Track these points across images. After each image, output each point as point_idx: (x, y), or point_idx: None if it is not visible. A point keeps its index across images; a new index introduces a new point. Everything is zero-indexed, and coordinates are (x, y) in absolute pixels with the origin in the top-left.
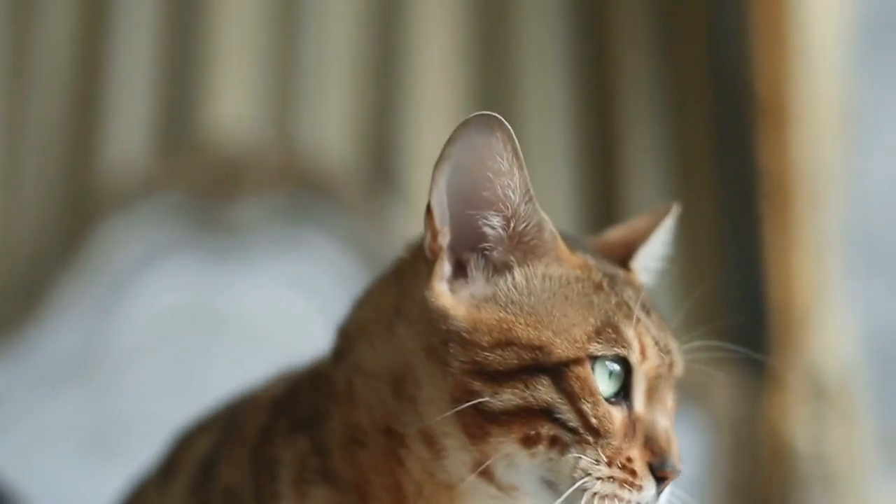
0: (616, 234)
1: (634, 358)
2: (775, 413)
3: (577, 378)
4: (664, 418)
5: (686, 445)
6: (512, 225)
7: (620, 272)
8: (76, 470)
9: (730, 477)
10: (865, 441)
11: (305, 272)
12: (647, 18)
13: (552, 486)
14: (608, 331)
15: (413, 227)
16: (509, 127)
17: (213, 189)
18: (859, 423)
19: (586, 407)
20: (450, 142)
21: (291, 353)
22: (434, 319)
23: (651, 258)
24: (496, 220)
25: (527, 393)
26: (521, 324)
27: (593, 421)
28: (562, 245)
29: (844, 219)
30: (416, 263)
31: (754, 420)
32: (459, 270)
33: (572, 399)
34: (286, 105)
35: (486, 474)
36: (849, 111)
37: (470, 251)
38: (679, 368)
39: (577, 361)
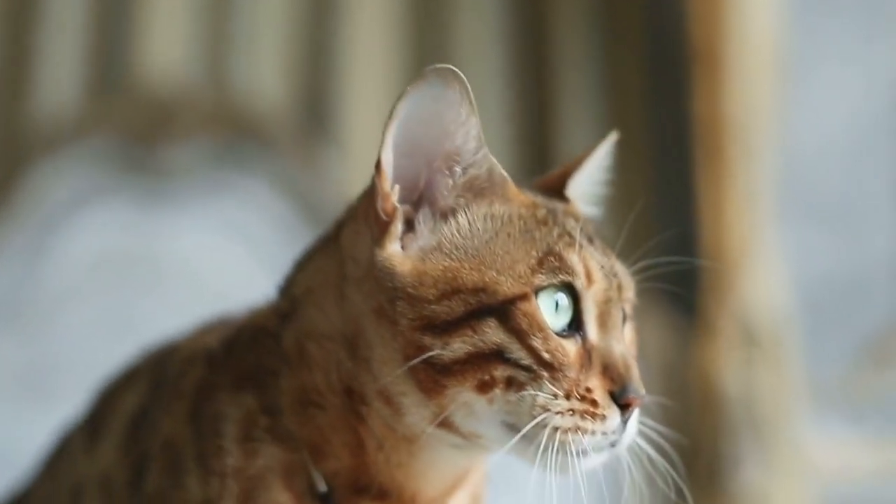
0: (556, 171)
1: (580, 283)
2: (706, 358)
3: (524, 314)
4: (620, 344)
5: None
6: (469, 172)
7: (560, 205)
8: (6, 413)
9: (659, 421)
10: (795, 387)
11: (238, 216)
12: None
13: (514, 429)
14: (551, 259)
15: (346, 172)
16: (463, 77)
17: (145, 132)
18: (789, 370)
19: (536, 343)
20: (402, 99)
21: (223, 298)
22: (380, 279)
23: (589, 183)
24: (455, 169)
25: (476, 338)
26: (465, 269)
27: (545, 356)
28: (511, 185)
29: (777, 166)
30: (356, 224)
31: (685, 365)
32: (406, 225)
33: (521, 336)
34: (219, 48)
35: (446, 424)
36: (782, 60)
37: (420, 204)
38: (629, 291)
39: (523, 297)
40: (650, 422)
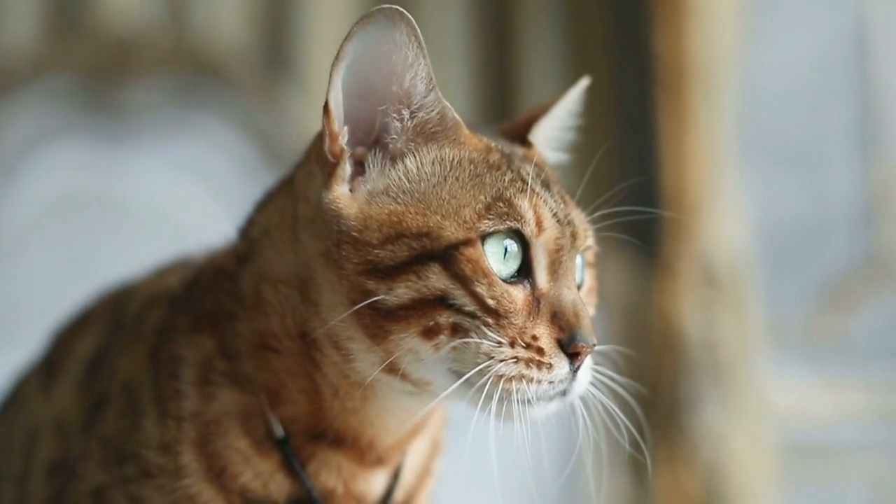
0: (525, 115)
1: (529, 230)
2: (666, 299)
3: (468, 260)
4: (571, 292)
5: None
6: (419, 115)
7: (519, 150)
8: None
9: (619, 366)
10: (755, 329)
11: (197, 156)
12: None
13: (460, 376)
14: (499, 205)
15: (307, 112)
16: (411, 17)
17: (105, 71)
18: (749, 312)
19: (481, 289)
20: (348, 39)
21: (183, 237)
22: (328, 222)
23: (558, 129)
24: (403, 112)
25: (420, 284)
26: (410, 213)
27: (490, 302)
28: (464, 129)
29: (739, 108)
30: (309, 165)
31: (645, 307)
32: (358, 167)
33: (465, 282)
34: None
35: (394, 371)
36: (745, 2)
37: (369, 147)
38: (585, 240)
39: (467, 243)
40: (607, 371)
